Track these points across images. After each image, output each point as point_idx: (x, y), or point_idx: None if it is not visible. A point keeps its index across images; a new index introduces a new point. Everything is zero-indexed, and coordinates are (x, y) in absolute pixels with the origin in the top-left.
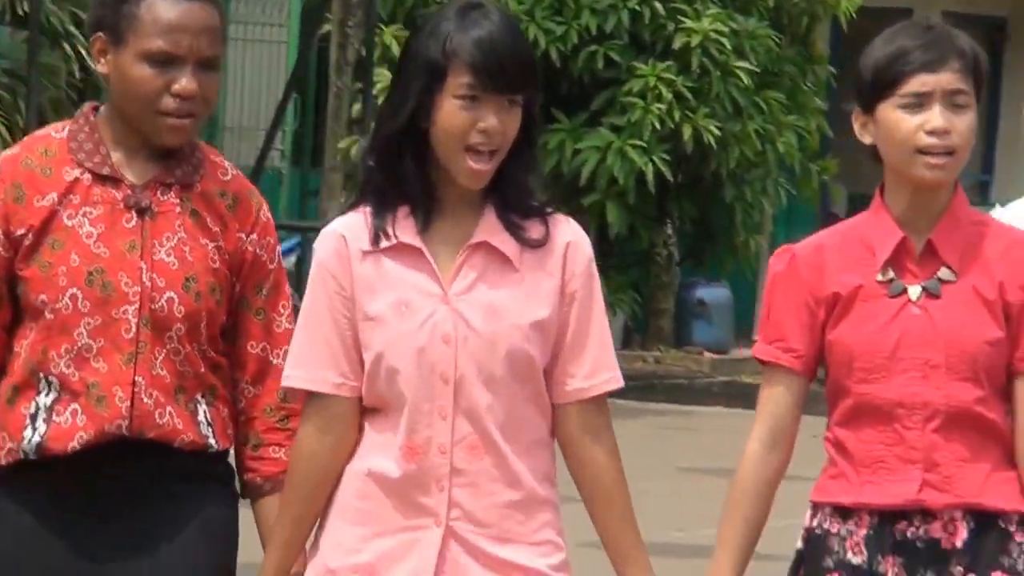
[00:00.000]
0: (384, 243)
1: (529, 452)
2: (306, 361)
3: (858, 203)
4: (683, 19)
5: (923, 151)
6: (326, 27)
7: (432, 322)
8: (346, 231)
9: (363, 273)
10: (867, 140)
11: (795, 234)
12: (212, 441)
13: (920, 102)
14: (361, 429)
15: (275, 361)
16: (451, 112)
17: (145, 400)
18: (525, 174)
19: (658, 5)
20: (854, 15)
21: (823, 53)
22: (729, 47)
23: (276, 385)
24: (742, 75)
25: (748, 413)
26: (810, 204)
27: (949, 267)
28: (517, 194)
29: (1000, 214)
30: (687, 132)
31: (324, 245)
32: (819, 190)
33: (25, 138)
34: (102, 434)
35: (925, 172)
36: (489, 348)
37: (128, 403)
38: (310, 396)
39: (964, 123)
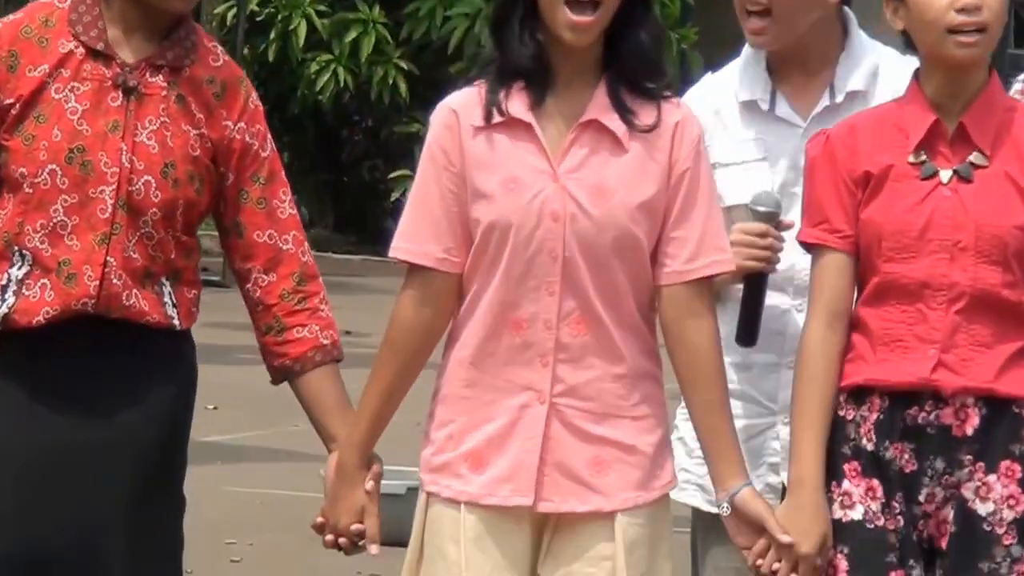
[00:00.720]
0: (496, 119)
1: (632, 328)
2: (411, 234)
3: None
4: None
5: (954, 30)
6: None
7: (541, 199)
8: (459, 107)
9: (474, 149)
10: (899, 25)
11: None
12: (176, 321)
13: None
14: (461, 307)
15: (284, 247)
16: None
17: (114, 281)
18: (643, 45)
19: None
20: None
21: None
22: None
23: (289, 270)
24: None
25: None
26: (670, 70)
27: (981, 151)
28: (633, 70)
29: (708, 78)
30: None
31: (437, 120)
32: (678, 57)
33: (30, 4)
34: (68, 310)
35: (957, 51)
36: (596, 227)
37: (97, 283)
38: (412, 268)
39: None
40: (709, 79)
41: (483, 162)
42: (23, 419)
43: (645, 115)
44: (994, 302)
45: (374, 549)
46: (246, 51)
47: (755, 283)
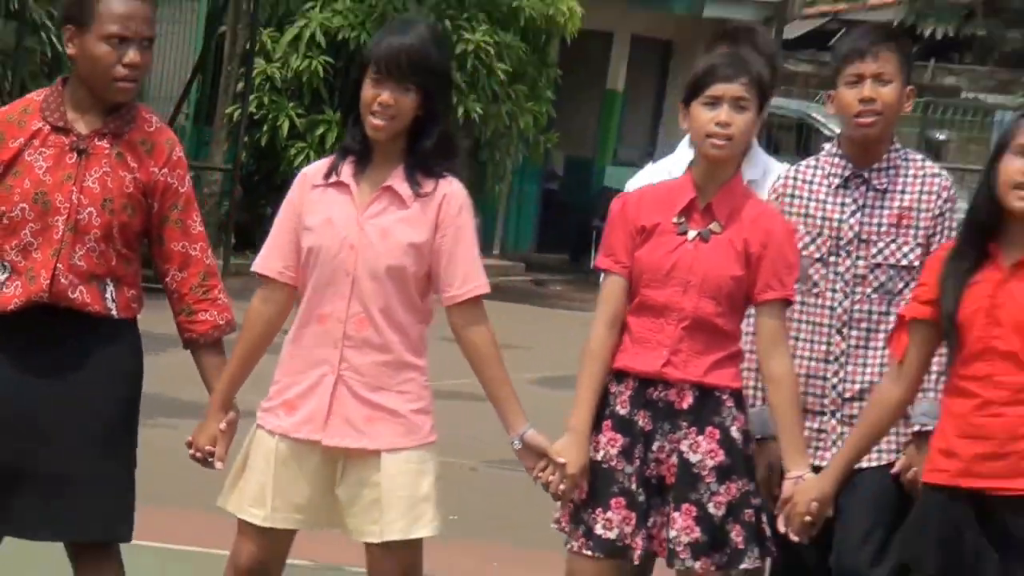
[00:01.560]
0: (331, 179)
1: (399, 331)
2: (264, 255)
3: (570, 162)
4: (463, 32)
5: (710, 135)
6: (222, 28)
7: (344, 234)
8: (309, 171)
9: (310, 198)
10: (684, 126)
11: (526, 184)
12: (114, 312)
13: (715, 102)
14: (294, 307)
15: (193, 253)
16: (364, 89)
17: (62, 281)
18: (429, 145)
19: (447, 22)
20: (575, 35)
21: (553, 60)
22: (492, 53)
23: (196, 270)
24: (500, 73)
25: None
26: (537, 163)
27: (719, 222)
28: (423, 157)
29: (650, 167)
30: (460, 111)
31: (295, 180)
32: (543, 154)
33: (16, 100)
34: (29, 301)
35: (711, 151)
36: (376, 257)
37: (48, 281)
38: (262, 277)
39: (743, 120)
40: (651, 166)
41: (313, 207)
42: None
43: (426, 186)
44: (708, 325)
45: (219, 465)
46: (246, 139)
47: None
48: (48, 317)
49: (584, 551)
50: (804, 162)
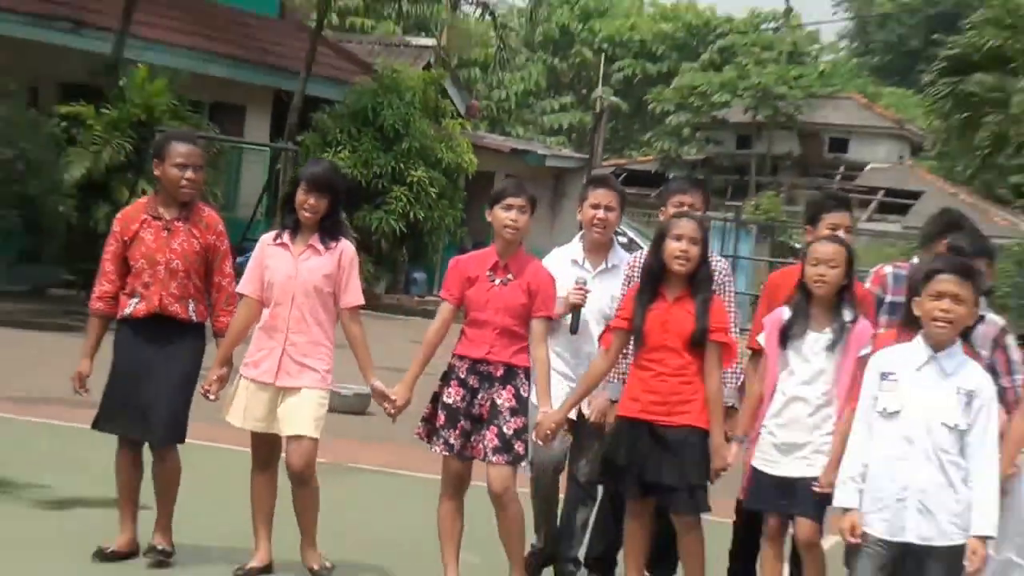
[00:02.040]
0: (278, 241)
1: (319, 324)
2: (245, 283)
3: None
4: (411, 170)
5: (506, 227)
6: (278, 166)
7: (287, 271)
8: (266, 237)
9: (268, 252)
10: (489, 219)
11: (450, 254)
12: (194, 318)
13: (509, 208)
14: (262, 311)
15: (224, 284)
16: (299, 195)
17: (165, 300)
18: (329, 224)
19: (401, 165)
20: (472, 173)
21: (461, 186)
22: (427, 183)
23: (223, 295)
24: (432, 193)
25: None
26: (456, 243)
27: (512, 275)
28: (329, 230)
29: (555, 251)
30: (411, 215)
31: (259, 242)
32: (460, 238)
33: (134, 202)
34: (149, 312)
35: (506, 235)
36: (304, 284)
37: (158, 301)
38: (242, 296)
39: (524, 219)
40: (557, 250)
41: (270, 256)
42: (126, 348)
43: (331, 245)
44: (509, 331)
45: (211, 398)
46: None
47: (577, 310)
48: (158, 320)
49: (444, 452)
50: (637, 253)
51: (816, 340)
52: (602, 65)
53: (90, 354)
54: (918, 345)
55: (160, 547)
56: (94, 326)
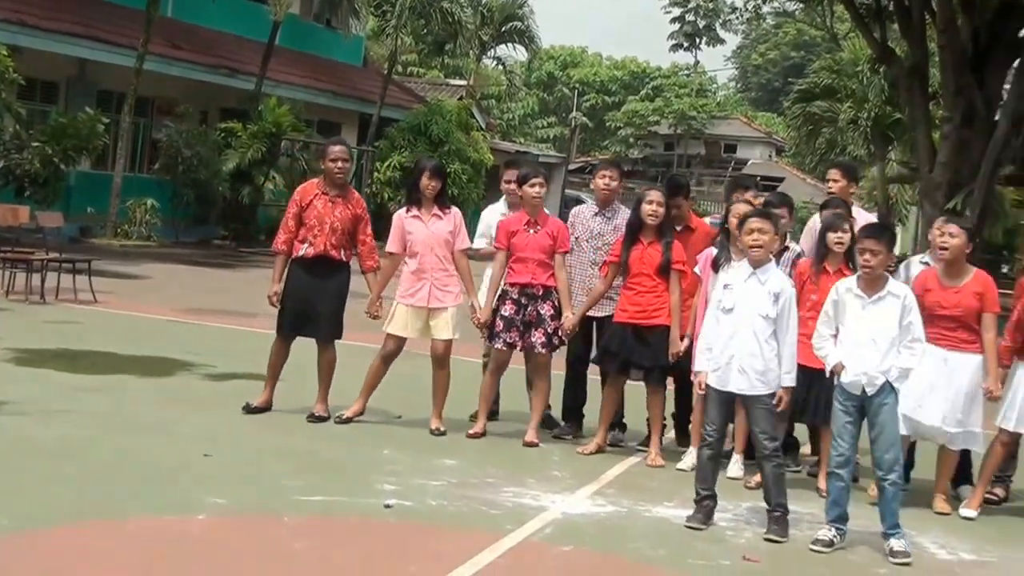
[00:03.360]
0: (411, 214)
1: (449, 263)
2: (392, 243)
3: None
4: (450, 165)
5: (535, 197)
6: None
7: (424, 232)
8: (401, 211)
9: (407, 221)
10: (519, 192)
11: (477, 217)
12: (344, 259)
13: (534, 185)
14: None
15: (367, 240)
16: (423, 179)
17: (329, 247)
18: (444, 199)
19: (443, 160)
20: (489, 166)
21: (483, 174)
22: (461, 173)
23: (367, 247)
24: (464, 178)
25: None
26: (479, 211)
27: (540, 226)
28: (442, 203)
29: (490, 207)
30: (451, 192)
31: (396, 215)
32: (480, 207)
33: (308, 181)
34: (318, 255)
35: (532, 202)
36: (437, 238)
37: (323, 247)
38: (391, 253)
39: (542, 191)
40: (491, 206)
41: (409, 224)
42: (299, 277)
43: (447, 210)
44: (544, 263)
45: (375, 317)
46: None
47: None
48: (323, 261)
49: (500, 347)
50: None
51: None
52: (575, 98)
53: (279, 280)
54: (745, 265)
55: (319, 413)
56: (280, 262)
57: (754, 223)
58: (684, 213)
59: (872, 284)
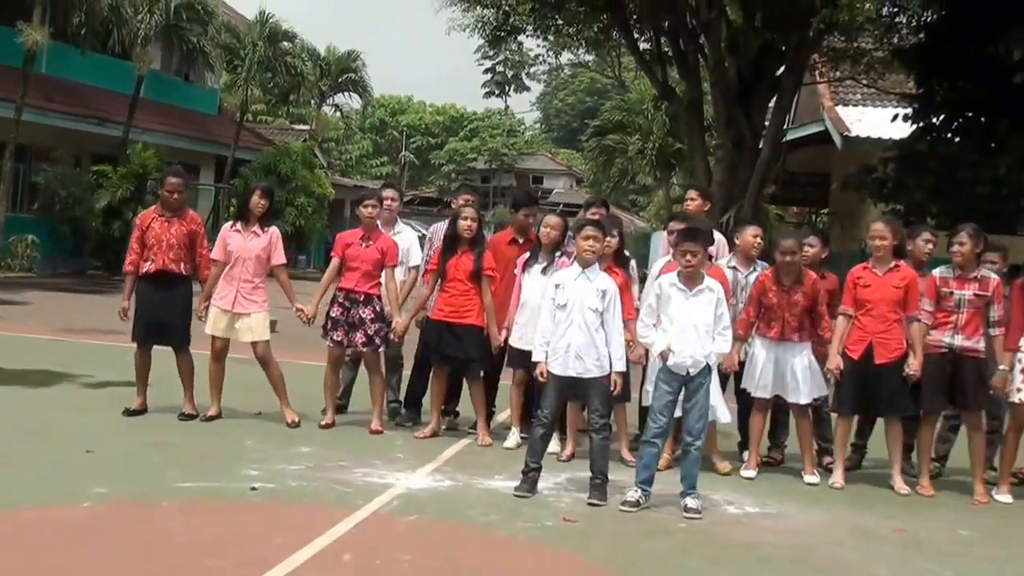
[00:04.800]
0: (234, 228)
1: (259, 276)
2: (215, 253)
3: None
4: (296, 199)
5: (368, 216)
6: None
7: (242, 244)
8: (226, 226)
9: (229, 234)
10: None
11: (323, 245)
12: (185, 273)
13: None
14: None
15: (203, 252)
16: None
17: (167, 262)
18: (267, 216)
19: (289, 195)
20: (331, 199)
21: (326, 207)
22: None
23: (204, 259)
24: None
25: None
26: (324, 240)
27: (372, 242)
28: (264, 222)
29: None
30: (299, 223)
31: (222, 229)
32: (325, 236)
33: (147, 208)
34: (158, 270)
35: (367, 222)
36: (252, 251)
37: (162, 263)
38: (215, 260)
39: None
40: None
41: (230, 237)
42: (146, 292)
43: (266, 229)
44: (371, 272)
45: (201, 318)
46: None
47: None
48: (164, 275)
49: (329, 344)
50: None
51: (539, 268)
52: (404, 140)
53: (128, 297)
54: (576, 267)
55: (187, 412)
56: (128, 281)
57: (589, 231)
58: (536, 222)
59: (692, 279)
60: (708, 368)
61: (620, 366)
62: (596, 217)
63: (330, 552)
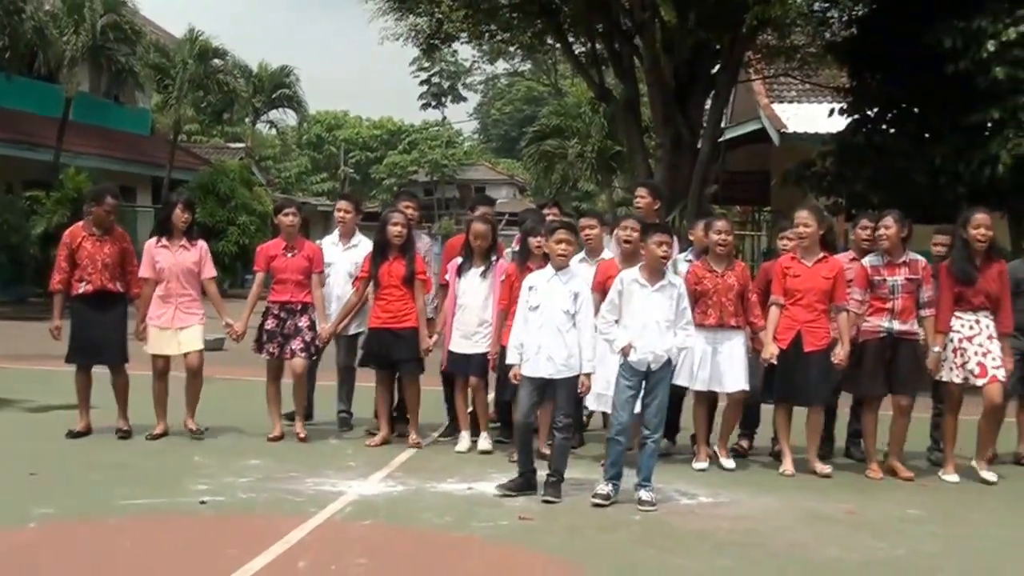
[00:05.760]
0: (160, 243)
1: (194, 289)
2: (144, 270)
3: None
4: (237, 218)
5: (286, 227)
6: None
7: (171, 260)
8: (151, 242)
9: (156, 250)
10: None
11: None
12: (121, 291)
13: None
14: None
15: (133, 271)
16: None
17: (105, 282)
18: (193, 229)
19: (229, 214)
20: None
21: (269, 224)
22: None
23: (134, 276)
24: None
25: None
26: None
27: (297, 250)
28: (191, 235)
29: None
30: (242, 242)
31: (147, 245)
32: None
33: (73, 226)
34: (96, 290)
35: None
36: (182, 266)
37: (99, 283)
38: (145, 278)
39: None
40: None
41: (157, 253)
42: (83, 313)
43: (195, 242)
44: (302, 283)
45: (140, 339)
46: None
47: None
48: (102, 295)
49: (265, 356)
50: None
51: (476, 272)
52: (342, 155)
53: (58, 316)
54: (549, 269)
55: (124, 428)
56: (58, 300)
57: (561, 235)
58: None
59: (654, 274)
60: (669, 362)
61: (589, 367)
62: (556, 218)
63: (284, 559)
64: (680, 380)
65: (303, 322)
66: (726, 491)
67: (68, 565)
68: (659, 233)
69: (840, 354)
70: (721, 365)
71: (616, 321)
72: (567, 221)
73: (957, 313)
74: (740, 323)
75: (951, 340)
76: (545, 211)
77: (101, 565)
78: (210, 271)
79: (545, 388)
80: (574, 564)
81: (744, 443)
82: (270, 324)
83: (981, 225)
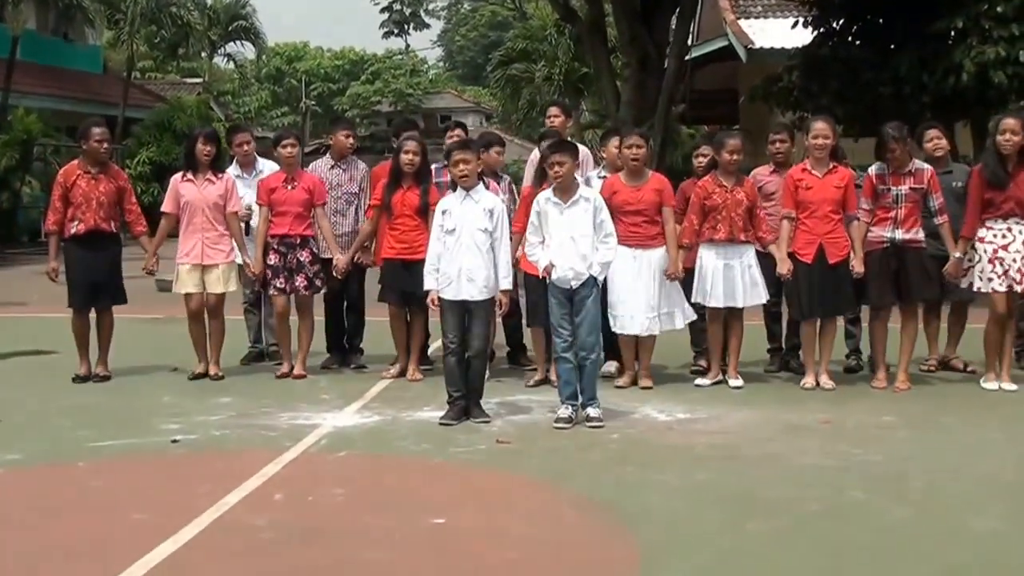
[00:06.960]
0: (185, 178)
1: (220, 224)
2: (166, 205)
3: None
4: None
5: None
6: None
7: (196, 194)
8: (176, 176)
9: (181, 185)
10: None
11: None
12: (115, 230)
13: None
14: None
15: (133, 208)
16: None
17: (99, 221)
18: (217, 163)
19: None
20: None
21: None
22: None
23: (134, 214)
24: None
25: None
26: None
27: (298, 183)
28: (216, 168)
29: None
30: None
31: (172, 180)
32: None
33: (68, 164)
34: (89, 230)
35: (286, 163)
36: (209, 200)
37: (93, 222)
38: (165, 213)
39: (294, 151)
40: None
41: (183, 187)
42: (78, 254)
43: (220, 175)
44: (303, 215)
45: (154, 272)
46: None
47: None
48: (95, 234)
49: (273, 293)
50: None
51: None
52: (303, 87)
53: (54, 257)
54: (460, 192)
55: (103, 373)
56: (53, 241)
57: (456, 155)
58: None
59: (566, 191)
60: (593, 280)
61: (506, 284)
62: (455, 138)
63: (260, 493)
64: (695, 298)
65: (304, 256)
66: (704, 407)
67: (38, 510)
68: (559, 153)
69: (857, 264)
70: (735, 280)
71: (542, 242)
72: (464, 140)
73: (987, 223)
74: (750, 238)
75: (985, 252)
76: (449, 134)
77: (72, 508)
78: (235, 205)
79: (466, 311)
80: (555, 484)
81: (703, 363)
82: (273, 259)
83: (1007, 131)
